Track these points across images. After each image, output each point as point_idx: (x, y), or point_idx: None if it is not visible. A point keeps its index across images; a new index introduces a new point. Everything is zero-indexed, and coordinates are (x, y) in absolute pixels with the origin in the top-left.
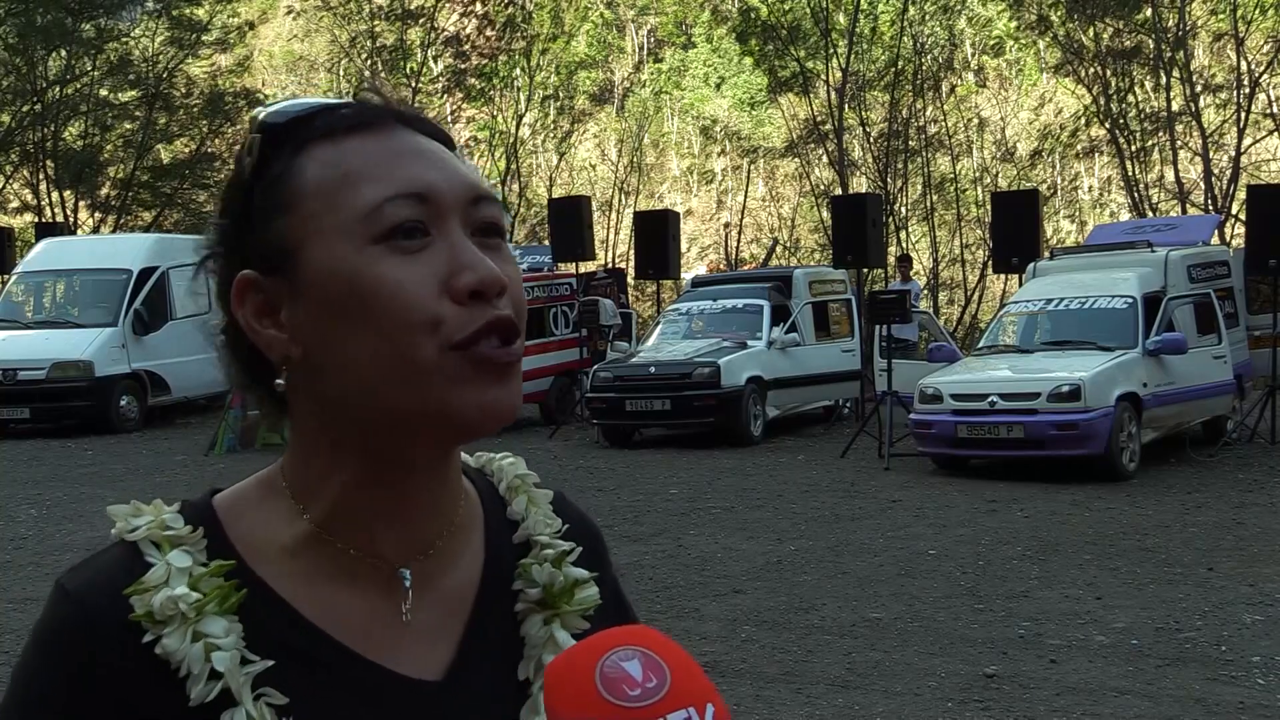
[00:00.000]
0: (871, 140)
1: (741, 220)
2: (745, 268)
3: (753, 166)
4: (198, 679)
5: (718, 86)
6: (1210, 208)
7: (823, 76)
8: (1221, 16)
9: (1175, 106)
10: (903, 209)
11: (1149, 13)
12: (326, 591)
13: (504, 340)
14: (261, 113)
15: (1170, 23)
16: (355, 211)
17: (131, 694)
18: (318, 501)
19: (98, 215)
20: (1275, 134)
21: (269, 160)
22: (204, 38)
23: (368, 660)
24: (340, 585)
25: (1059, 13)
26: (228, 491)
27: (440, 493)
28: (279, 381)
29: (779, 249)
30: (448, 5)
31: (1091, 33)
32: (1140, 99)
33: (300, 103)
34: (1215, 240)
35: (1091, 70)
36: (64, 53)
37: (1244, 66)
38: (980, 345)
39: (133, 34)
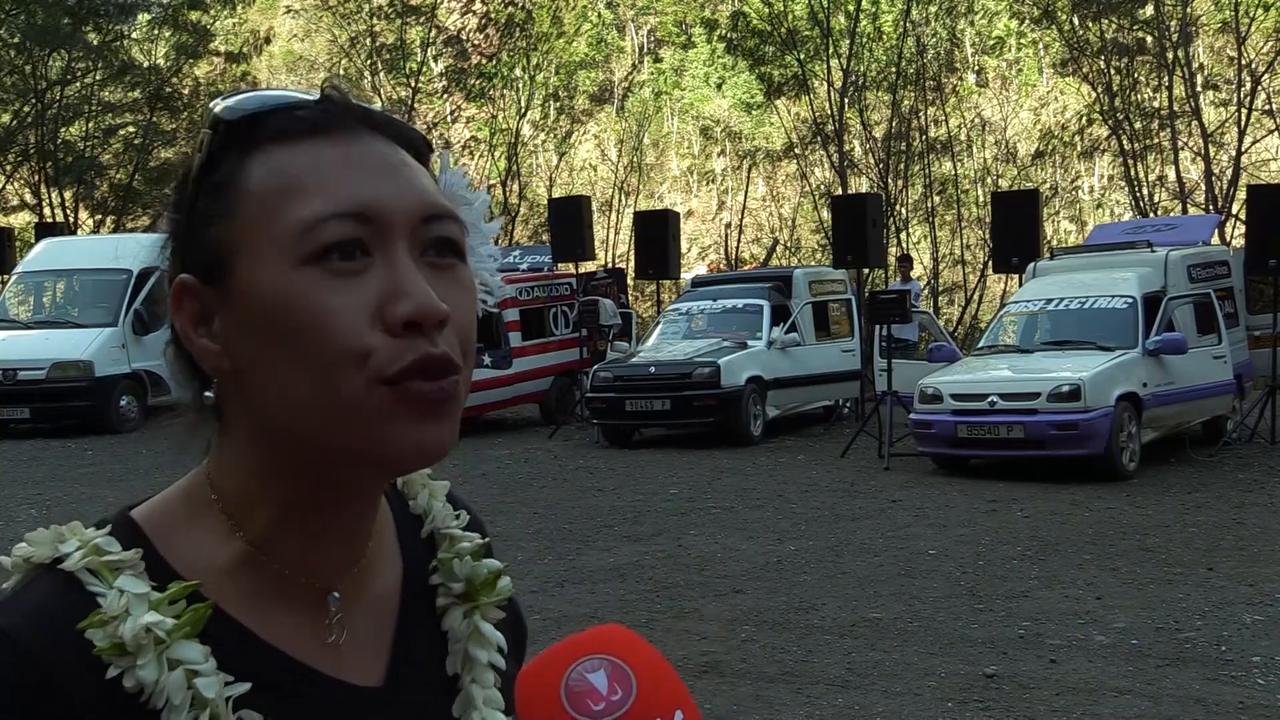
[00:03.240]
0: (873, 141)
1: (741, 220)
2: (745, 268)
3: (753, 167)
4: (179, 709)
5: (718, 87)
6: (1210, 208)
7: (822, 77)
8: (1224, 14)
9: (1176, 105)
10: (903, 209)
11: (1151, 10)
12: (268, 611)
13: (436, 377)
14: (217, 105)
15: (1173, 22)
16: (291, 227)
17: None
18: (251, 520)
19: (98, 215)
20: (1276, 133)
21: (218, 158)
22: (210, 45)
23: (322, 674)
24: (279, 604)
25: (1063, 4)
26: (146, 507)
27: (372, 509)
28: (208, 394)
29: (779, 249)
30: (448, 3)
31: (1097, 30)
32: (1144, 98)
33: (258, 97)
34: (1215, 240)
35: (1096, 66)
36: (65, 53)
37: (1245, 62)
38: (980, 345)
39: (134, 36)
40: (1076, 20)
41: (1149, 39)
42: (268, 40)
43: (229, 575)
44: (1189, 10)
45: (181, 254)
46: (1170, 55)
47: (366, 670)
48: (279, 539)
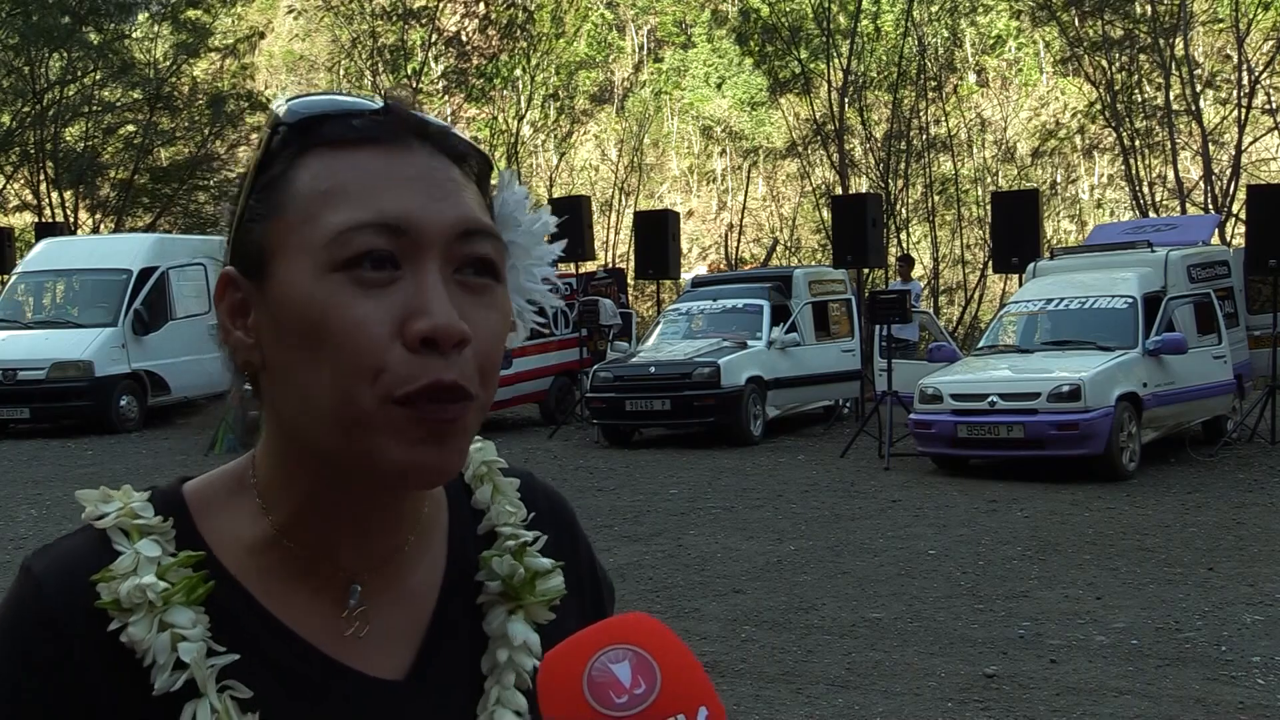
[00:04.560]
0: (873, 141)
1: (742, 220)
2: (745, 268)
3: (753, 167)
4: (163, 669)
5: (718, 86)
6: (1210, 207)
7: (824, 77)
8: (1222, 11)
9: (1176, 104)
10: (903, 209)
11: (1147, 8)
12: (289, 593)
13: (445, 403)
14: (281, 106)
15: (1168, 20)
16: (325, 233)
17: (94, 681)
18: (280, 505)
19: (98, 215)
20: (1275, 132)
21: (273, 157)
22: (209, 42)
23: (332, 659)
24: (301, 587)
25: (1060, 1)
26: (198, 481)
27: (401, 505)
28: (246, 386)
29: (779, 249)
30: (449, 5)
31: (1098, 26)
32: (1146, 96)
33: (319, 101)
34: (1215, 240)
35: (1096, 63)
36: (64, 53)
37: (1239, 55)
38: (980, 345)
39: (134, 35)
40: (1076, 18)
41: (1145, 36)
42: (262, 35)
43: (254, 554)
44: (1187, 6)
45: (231, 246)
46: (1167, 53)
47: (390, 662)
48: (303, 526)
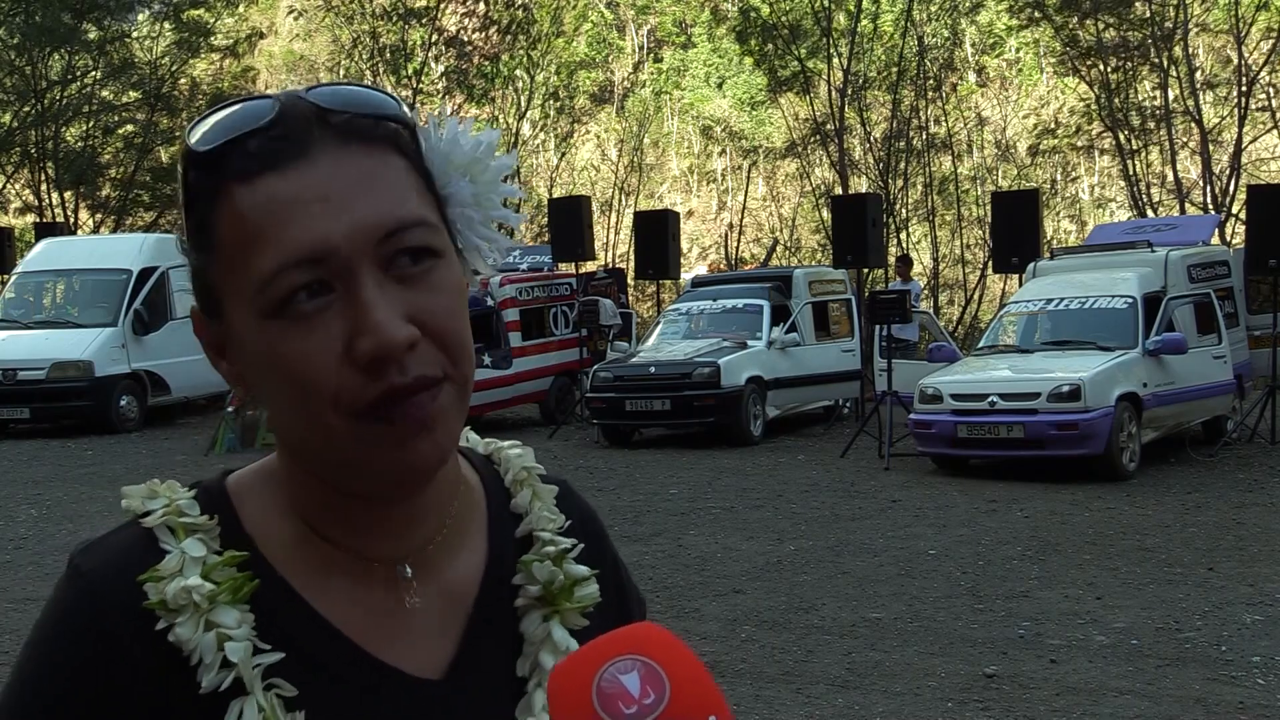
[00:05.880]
0: (873, 140)
1: (742, 220)
2: (745, 268)
3: (753, 167)
4: (209, 668)
5: (719, 86)
6: (1210, 207)
7: (824, 76)
8: (1219, 13)
9: (1174, 104)
10: (903, 209)
11: (1145, 9)
12: (328, 587)
13: (415, 394)
14: (191, 136)
15: (1166, 22)
16: (253, 281)
17: (142, 680)
18: (306, 504)
19: (98, 216)
20: (1274, 131)
21: (196, 195)
22: (209, 40)
23: (374, 657)
24: (340, 581)
25: (1054, 2)
26: (240, 474)
27: (426, 499)
28: (248, 411)
29: (779, 249)
30: (449, 5)
31: (1095, 28)
32: (1143, 98)
33: (217, 127)
34: (1215, 240)
35: (1092, 66)
36: (65, 53)
37: (1239, 55)
38: (980, 345)
39: (135, 35)
40: (1074, 20)
41: (1141, 36)
42: (262, 35)
43: (294, 548)
44: (1186, 6)
45: (191, 279)
46: (1164, 55)
47: (427, 659)
48: (329, 523)
